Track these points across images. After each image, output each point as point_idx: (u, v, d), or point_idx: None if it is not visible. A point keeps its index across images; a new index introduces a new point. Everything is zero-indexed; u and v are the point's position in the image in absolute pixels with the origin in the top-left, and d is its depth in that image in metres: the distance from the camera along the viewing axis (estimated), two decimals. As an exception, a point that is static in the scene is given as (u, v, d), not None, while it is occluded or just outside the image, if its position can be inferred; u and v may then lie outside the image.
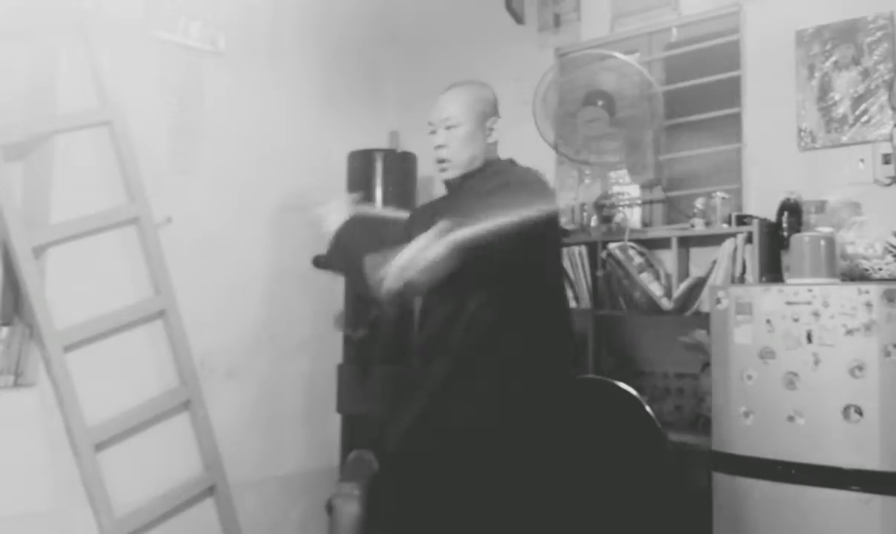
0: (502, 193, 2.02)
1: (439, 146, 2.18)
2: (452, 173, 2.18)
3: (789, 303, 2.51)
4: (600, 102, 3.20)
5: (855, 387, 2.36)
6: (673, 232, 3.28)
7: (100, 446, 2.88)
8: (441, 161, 2.19)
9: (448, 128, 2.17)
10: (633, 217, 3.64)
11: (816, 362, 2.43)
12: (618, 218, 3.63)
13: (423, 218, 2.15)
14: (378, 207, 2.50)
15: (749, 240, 2.98)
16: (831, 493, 2.37)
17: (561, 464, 2.03)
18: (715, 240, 3.12)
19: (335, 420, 3.44)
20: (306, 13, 3.71)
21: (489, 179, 2.14)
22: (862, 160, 2.95)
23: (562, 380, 2.11)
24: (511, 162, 2.23)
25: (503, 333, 2.00)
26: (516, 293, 2.01)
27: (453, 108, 2.18)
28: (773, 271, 2.93)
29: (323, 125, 3.74)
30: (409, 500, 2.06)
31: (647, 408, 2.69)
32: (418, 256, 1.72)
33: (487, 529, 1.95)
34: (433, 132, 2.21)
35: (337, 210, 2.30)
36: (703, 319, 2.92)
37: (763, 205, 3.08)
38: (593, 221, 3.52)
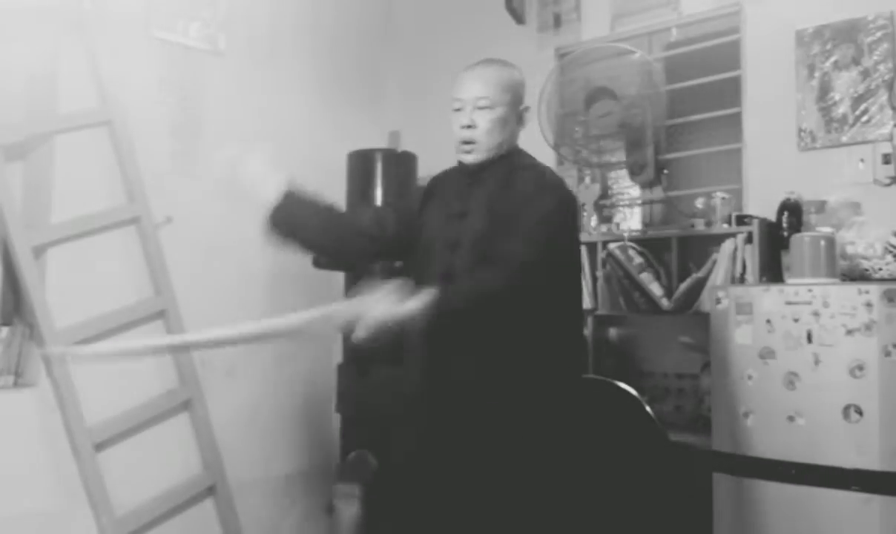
0: (548, 198, 1.95)
1: (466, 126, 2.01)
2: (476, 157, 2.02)
3: (789, 303, 2.50)
4: (609, 98, 3.20)
5: (855, 387, 2.36)
6: (673, 232, 3.28)
7: (100, 446, 2.88)
8: (466, 142, 2.02)
9: (480, 108, 2.00)
10: (633, 217, 3.64)
11: (816, 362, 2.43)
12: (618, 218, 3.63)
13: (440, 204, 2.09)
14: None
15: (749, 240, 2.98)
16: (831, 493, 2.36)
17: (564, 465, 2.03)
18: (715, 240, 3.12)
19: (335, 420, 3.44)
20: (306, 13, 3.71)
21: (520, 173, 2.02)
22: (862, 160, 2.95)
23: (576, 380, 2.10)
24: (529, 155, 2.12)
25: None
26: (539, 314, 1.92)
27: (488, 87, 2.01)
28: (773, 271, 2.93)
29: (323, 125, 3.74)
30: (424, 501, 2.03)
31: (648, 408, 2.69)
32: (400, 318, 1.72)
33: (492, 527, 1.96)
34: (458, 110, 2.03)
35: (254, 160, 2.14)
36: (703, 319, 2.92)
37: (763, 205, 3.08)
38: (593, 221, 3.52)
